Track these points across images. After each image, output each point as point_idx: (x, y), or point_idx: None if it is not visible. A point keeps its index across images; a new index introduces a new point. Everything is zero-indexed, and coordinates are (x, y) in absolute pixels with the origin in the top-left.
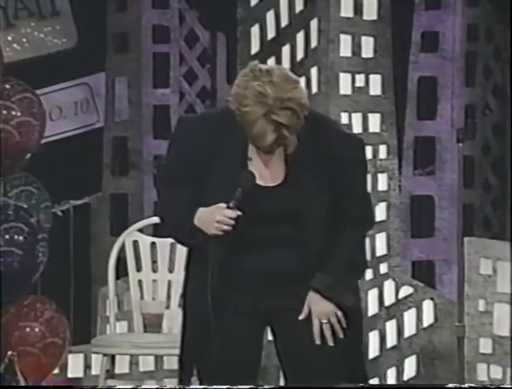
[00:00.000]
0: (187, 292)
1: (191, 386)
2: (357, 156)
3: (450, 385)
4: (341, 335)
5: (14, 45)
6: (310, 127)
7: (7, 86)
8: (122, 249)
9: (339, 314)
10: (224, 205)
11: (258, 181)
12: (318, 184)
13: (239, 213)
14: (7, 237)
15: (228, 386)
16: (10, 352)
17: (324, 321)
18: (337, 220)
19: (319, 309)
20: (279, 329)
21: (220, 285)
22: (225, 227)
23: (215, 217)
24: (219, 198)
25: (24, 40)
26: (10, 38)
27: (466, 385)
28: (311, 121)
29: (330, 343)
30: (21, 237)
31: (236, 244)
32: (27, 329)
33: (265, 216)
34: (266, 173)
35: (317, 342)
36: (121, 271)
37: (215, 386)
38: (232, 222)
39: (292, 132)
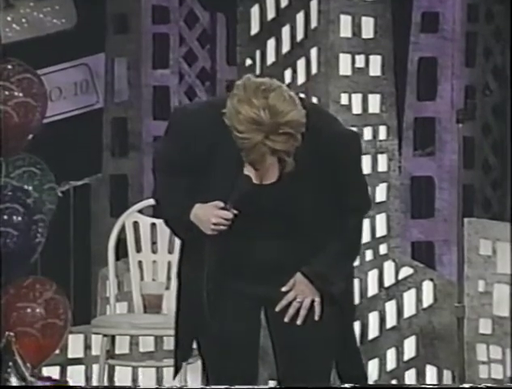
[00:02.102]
0: (182, 273)
1: (190, 387)
2: (352, 153)
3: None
4: (300, 322)
5: (14, 26)
6: (306, 123)
7: (9, 66)
8: (122, 230)
9: (317, 300)
10: (220, 204)
11: (254, 181)
12: (313, 181)
13: (235, 212)
14: (5, 217)
15: (227, 386)
16: (7, 333)
17: (298, 300)
18: (334, 213)
19: (300, 287)
20: (272, 314)
21: (217, 271)
22: (222, 227)
23: (211, 219)
24: (217, 193)
25: (23, 20)
26: (9, 18)
27: (466, 385)
28: (307, 117)
29: (299, 322)
30: (17, 218)
31: (233, 237)
32: (26, 310)
33: (260, 214)
34: (262, 171)
35: (286, 319)
36: (121, 252)
37: (214, 386)
38: (229, 223)
39: (291, 155)
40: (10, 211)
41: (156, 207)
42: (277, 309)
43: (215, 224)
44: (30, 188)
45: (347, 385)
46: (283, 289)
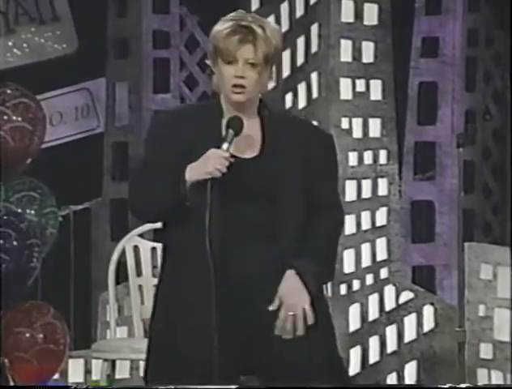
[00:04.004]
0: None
1: (189, 386)
2: (330, 146)
3: (448, 385)
4: (301, 333)
5: (15, 51)
6: (282, 117)
7: (8, 91)
8: (123, 254)
9: (307, 307)
10: (214, 149)
11: (235, 153)
12: (291, 161)
13: (231, 153)
14: None
15: (223, 386)
16: (1, 359)
17: (290, 313)
18: (311, 204)
19: (288, 301)
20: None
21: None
22: (220, 166)
23: (209, 160)
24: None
25: (25, 45)
26: (10, 43)
27: (463, 385)
28: (282, 114)
29: (300, 333)
30: (9, 243)
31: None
32: (23, 335)
33: (242, 189)
34: (243, 144)
35: (288, 336)
36: (122, 276)
37: (213, 386)
38: (227, 162)
39: (260, 63)
40: (3, 235)
41: (134, 194)
42: (276, 332)
43: (214, 160)
44: (31, 212)
45: (344, 385)
46: (271, 309)
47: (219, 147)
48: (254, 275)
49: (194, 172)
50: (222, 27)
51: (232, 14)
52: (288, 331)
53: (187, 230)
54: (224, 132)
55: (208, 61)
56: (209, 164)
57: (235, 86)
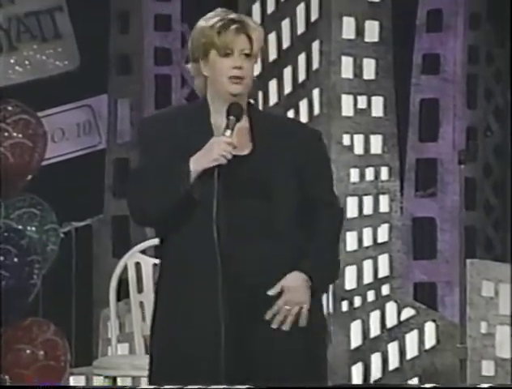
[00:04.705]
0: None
1: (193, 386)
2: (319, 142)
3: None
4: (286, 328)
5: (17, 68)
6: (270, 116)
7: (9, 107)
8: (124, 270)
9: (305, 307)
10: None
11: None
12: (283, 158)
13: (231, 135)
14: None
15: (224, 386)
16: (1, 375)
17: (287, 307)
18: (308, 201)
19: (288, 295)
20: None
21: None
22: (225, 153)
23: (213, 147)
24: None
25: (27, 62)
26: (12, 61)
27: (467, 384)
28: (270, 113)
29: (286, 328)
30: (9, 260)
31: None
32: (23, 352)
33: (239, 185)
34: (236, 141)
35: (274, 326)
36: (123, 293)
37: (212, 387)
38: (231, 148)
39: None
40: (3, 252)
41: (133, 195)
42: (267, 317)
43: (218, 147)
44: (31, 229)
45: (346, 385)
46: (270, 293)
47: (211, 131)
48: (256, 270)
49: (200, 161)
50: (211, 22)
51: (211, 12)
52: (276, 322)
53: (192, 222)
54: (224, 120)
55: (190, 64)
56: (214, 152)
57: (233, 77)
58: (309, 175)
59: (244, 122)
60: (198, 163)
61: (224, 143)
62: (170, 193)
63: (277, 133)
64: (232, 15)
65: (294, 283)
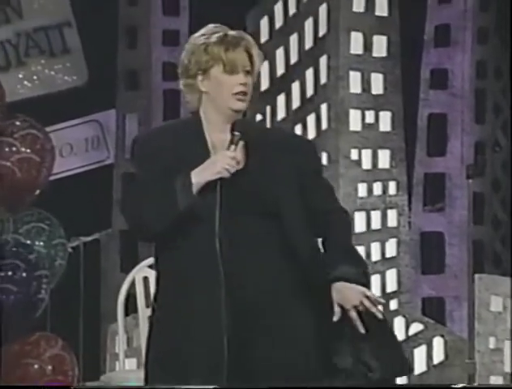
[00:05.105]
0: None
1: (188, 386)
2: (315, 153)
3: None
4: (380, 315)
5: (25, 83)
6: (262, 129)
7: (17, 122)
8: (132, 285)
9: (369, 293)
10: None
11: None
12: (278, 171)
13: (235, 150)
14: (2, 274)
15: (224, 387)
16: None
17: (356, 303)
18: (312, 211)
19: (346, 297)
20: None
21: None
22: (228, 166)
23: (217, 160)
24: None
25: (35, 77)
26: (21, 75)
27: (460, 385)
28: (262, 127)
29: (362, 330)
30: (18, 274)
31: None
32: (30, 366)
33: (231, 198)
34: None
35: (362, 331)
36: (131, 308)
37: (212, 386)
38: (235, 162)
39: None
40: (11, 266)
41: (131, 207)
42: (362, 330)
43: (222, 160)
44: (40, 243)
45: (350, 384)
46: (335, 319)
47: (206, 159)
48: (258, 282)
49: (203, 174)
50: (214, 38)
51: (206, 28)
52: (360, 325)
53: (193, 236)
54: (229, 136)
55: (181, 80)
56: (217, 165)
57: (238, 93)
58: (309, 185)
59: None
60: (200, 176)
61: (228, 158)
62: (170, 206)
63: (270, 146)
64: (233, 32)
65: (343, 290)
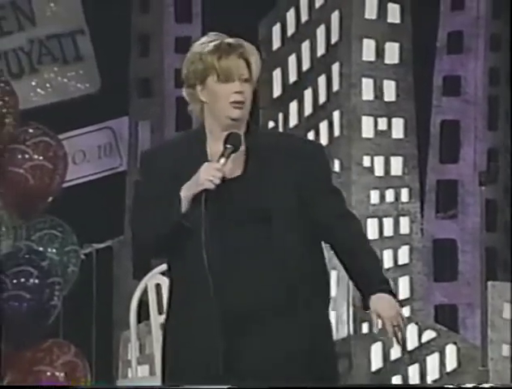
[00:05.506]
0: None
1: (186, 386)
2: (322, 157)
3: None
4: (405, 336)
5: (38, 90)
6: (269, 135)
7: (30, 130)
8: (144, 292)
9: (403, 313)
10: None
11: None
12: (282, 177)
13: (224, 163)
14: (15, 280)
15: (226, 386)
16: None
17: (395, 323)
18: (320, 219)
19: (391, 314)
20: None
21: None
22: (211, 178)
23: (202, 175)
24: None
25: (48, 85)
26: (34, 83)
27: (486, 384)
28: (269, 132)
29: (407, 348)
30: (30, 281)
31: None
32: (43, 373)
33: (228, 207)
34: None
35: (402, 349)
36: (143, 315)
37: (212, 386)
38: (220, 174)
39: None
40: (24, 273)
41: (134, 227)
42: (403, 349)
43: (207, 173)
44: (52, 250)
45: (348, 384)
46: (375, 331)
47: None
48: (249, 292)
49: (190, 188)
50: (209, 47)
51: (206, 36)
52: (397, 341)
53: (186, 249)
54: (221, 147)
55: (184, 90)
56: (200, 177)
57: (234, 102)
58: (313, 191)
59: (241, 147)
60: (188, 189)
61: (213, 169)
62: (163, 222)
63: (274, 152)
64: (229, 40)
65: (384, 303)
